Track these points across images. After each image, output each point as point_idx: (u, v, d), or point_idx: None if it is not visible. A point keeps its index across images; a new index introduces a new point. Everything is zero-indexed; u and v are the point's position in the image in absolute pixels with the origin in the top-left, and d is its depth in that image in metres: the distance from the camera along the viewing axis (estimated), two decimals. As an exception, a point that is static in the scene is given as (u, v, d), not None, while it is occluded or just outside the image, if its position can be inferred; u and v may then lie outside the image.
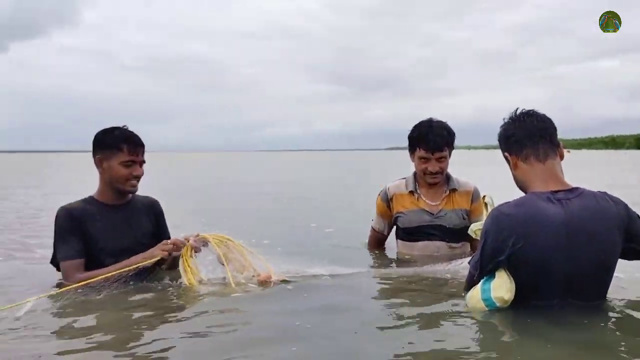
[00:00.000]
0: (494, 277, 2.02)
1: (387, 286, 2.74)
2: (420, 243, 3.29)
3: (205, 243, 2.67)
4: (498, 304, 1.98)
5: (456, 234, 3.24)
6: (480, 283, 2.06)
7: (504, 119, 2.19)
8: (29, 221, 5.96)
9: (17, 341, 1.91)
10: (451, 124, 3.23)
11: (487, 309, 2.00)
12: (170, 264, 2.70)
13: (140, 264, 2.54)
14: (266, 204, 8.47)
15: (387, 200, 3.38)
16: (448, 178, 3.31)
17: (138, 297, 2.43)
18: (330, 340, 1.90)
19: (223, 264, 2.60)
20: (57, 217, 2.68)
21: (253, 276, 2.62)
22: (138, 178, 2.75)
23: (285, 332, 1.98)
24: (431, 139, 3.11)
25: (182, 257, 2.61)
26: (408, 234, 3.34)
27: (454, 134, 3.22)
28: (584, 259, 1.95)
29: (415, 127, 3.23)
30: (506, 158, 2.17)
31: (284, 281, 2.62)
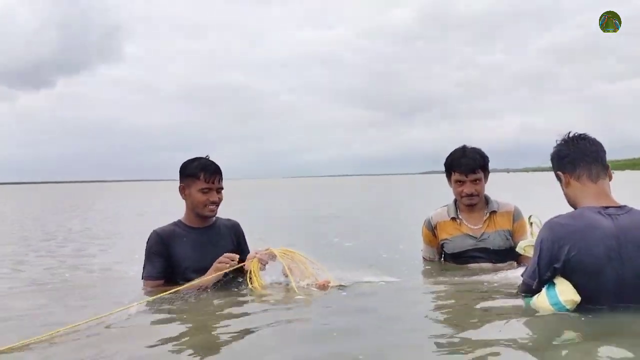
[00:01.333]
0: (554, 284, 2.19)
1: (436, 293, 2.92)
2: (467, 266, 3.41)
3: (272, 257, 2.96)
4: (568, 307, 2.13)
5: (501, 255, 3.35)
6: (544, 291, 2.22)
7: (556, 140, 2.40)
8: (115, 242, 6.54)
9: (125, 340, 2.23)
10: (490, 147, 3.43)
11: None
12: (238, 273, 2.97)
13: (202, 283, 2.81)
14: (302, 223, 8.98)
15: (432, 229, 3.54)
16: (487, 201, 3.44)
17: (216, 302, 2.73)
18: (382, 338, 2.11)
19: (287, 276, 2.89)
20: (148, 239, 3.02)
21: (309, 283, 2.89)
22: (216, 203, 3.00)
23: (340, 330, 2.20)
24: (464, 162, 3.29)
25: (251, 268, 2.89)
26: (455, 258, 3.49)
27: (487, 157, 3.38)
28: (633, 268, 2.10)
29: (450, 153, 3.42)
30: (558, 176, 2.37)
31: (340, 286, 2.90)
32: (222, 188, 3.06)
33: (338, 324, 2.29)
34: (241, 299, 2.77)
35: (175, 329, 2.31)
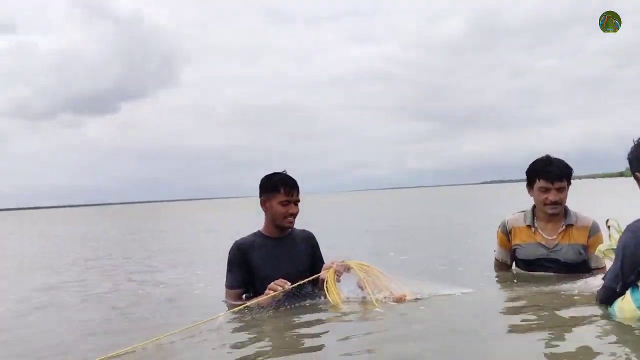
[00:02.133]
0: (638, 287, 2.17)
1: (513, 302, 2.90)
2: (535, 274, 3.42)
3: (347, 269, 3.04)
4: None
5: (572, 268, 3.31)
6: (628, 294, 2.21)
7: (634, 141, 2.37)
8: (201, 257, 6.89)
9: (215, 349, 2.38)
10: (551, 153, 3.36)
11: None
12: (318, 283, 3.08)
13: (261, 303, 2.86)
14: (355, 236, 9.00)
15: (506, 233, 3.55)
16: (566, 213, 3.39)
17: (295, 314, 2.85)
18: (457, 346, 2.15)
19: (362, 288, 2.95)
20: (230, 250, 3.21)
21: (386, 297, 2.94)
22: (294, 215, 3.15)
23: (421, 345, 2.22)
24: (551, 170, 3.28)
25: (327, 279, 2.99)
26: (525, 265, 3.49)
27: (571, 168, 3.35)
28: None
29: (535, 161, 3.40)
30: (637, 177, 2.34)
31: (417, 299, 2.92)
32: (299, 201, 3.20)
33: (419, 339, 2.30)
34: (319, 313, 2.85)
35: (252, 343, 2.41)
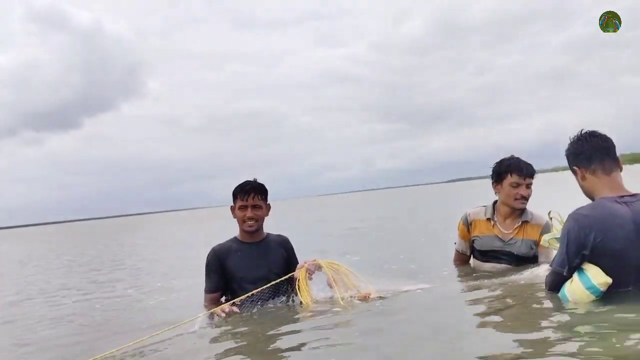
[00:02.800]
0: (583, 270, 2.38)
1: (470, 294, 3.10)
2: (488, 264, 3.69)
3: (319, 267, 3.20)
4: (602, 289, 2.31)
5: (524, 261, 3.57)
6: (576, 278, 2.40)
7: (570, 137, 2.60)
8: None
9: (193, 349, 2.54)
10: (513, 148, 3.65)
11: (593, 296, 2.33)
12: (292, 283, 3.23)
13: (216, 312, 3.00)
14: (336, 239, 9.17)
15: (467, 224, 3.81)
16: (523, 210, 3.63)
17: (269, 314, 3.02)
18: (420, 341, 2.28)
19: (331, 287, 3.12)
20: (207, 256, 3.35)
21: (352, 295, 3.11)
22: (252, 219, 3.28)
23: (378, 335, 2.40)
24: (524, 166, 3.53)
25: (299, 278, 3.14)
26: (481, 255, 3.76)
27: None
28: None
29: (503, 159, 3.64)
30: (574, 171, 2.57)
31: (381, 297, 3.10)
32: (259, 206, 3.32)
33: (376, 334, 2.44)
34: (290, 313, 3.04)
35: (225, 343, 2.56)
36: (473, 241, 3.78)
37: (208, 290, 3.33)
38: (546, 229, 3.53)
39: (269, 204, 3.41)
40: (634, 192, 2.45)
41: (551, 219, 2.86)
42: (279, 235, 3.55)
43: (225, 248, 3.35)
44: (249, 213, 3.28)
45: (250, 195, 3.28)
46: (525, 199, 3.55)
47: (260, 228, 3.36)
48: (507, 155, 3.65)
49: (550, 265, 2.57)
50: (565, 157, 2.65)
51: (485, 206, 3.77)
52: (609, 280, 2.30)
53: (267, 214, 3.39)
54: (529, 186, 3.54)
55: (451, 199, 24.42)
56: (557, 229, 2.73)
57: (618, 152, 2.56)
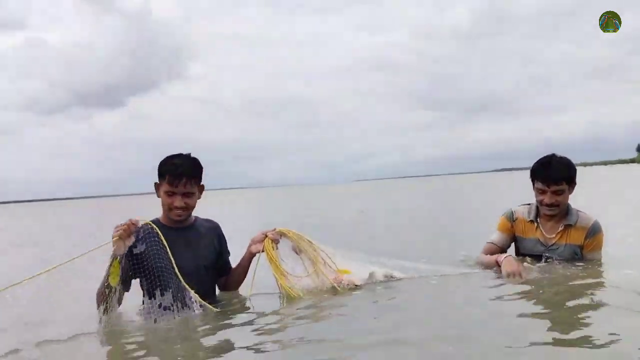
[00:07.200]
0: None
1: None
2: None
3: (281, 235, 2.97)
4: None
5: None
6: None
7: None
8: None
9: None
10: (562, 141, 3.28)
11: None
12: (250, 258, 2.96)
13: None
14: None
15: (511, 220, 3.50)
16: (568, 212, 3.34)
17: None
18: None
19: (296, 252, 2.96)
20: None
21: (345, 283, 2.99)
22: (182, 208, 2.70)
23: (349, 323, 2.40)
24: (548, 173, 3.22)
25: (265, 249, 2.89)
26: (521, 257, 3.46)
27: (574, 169, 3.26)
28: None
29: (537, 160, 3.33)
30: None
31: (356, 286, 2.98)
32: (192, 193, 2.75)
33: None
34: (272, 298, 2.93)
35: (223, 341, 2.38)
36: (516, 240, 3.50)
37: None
38: (592, 231, 3.26)
39: (202, 185, 2.81)
40: None
41: None
42: (209, 220, 3.02)
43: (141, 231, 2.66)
44: (177, 202, 2.70)
45: (182, 182, 2.68)
46: (553, 205, 3.23)
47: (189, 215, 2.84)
48: (550, 150, 3.34)
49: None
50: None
51: (529, 205, 3.47)
52: None
53: (199, 197, 2.82)
54: (557, 193, 3.20)
55: (491, 189, 23.56)
56: None
57: None
